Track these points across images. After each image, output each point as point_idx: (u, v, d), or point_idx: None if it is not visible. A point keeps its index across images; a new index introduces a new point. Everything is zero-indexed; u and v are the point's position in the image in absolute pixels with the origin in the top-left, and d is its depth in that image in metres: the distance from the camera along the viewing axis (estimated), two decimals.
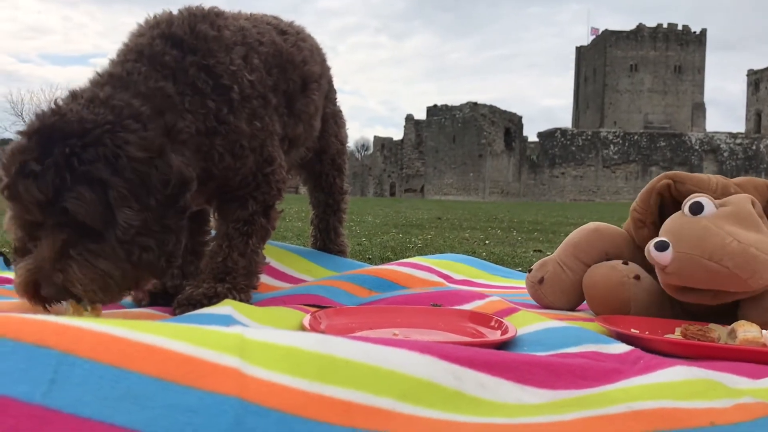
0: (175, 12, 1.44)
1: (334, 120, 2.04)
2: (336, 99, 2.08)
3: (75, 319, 0.68)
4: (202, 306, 1.36)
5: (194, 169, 1.31)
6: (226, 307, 1.24)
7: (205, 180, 1.41)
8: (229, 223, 1.52)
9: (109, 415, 0.56)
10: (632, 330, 1.28)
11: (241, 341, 0.73)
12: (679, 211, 1.40)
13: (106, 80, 1.27)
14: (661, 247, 1.34)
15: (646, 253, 1.39)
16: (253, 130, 1.46)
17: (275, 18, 1.76)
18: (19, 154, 1.09)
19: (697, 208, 1.36)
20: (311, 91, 1.73)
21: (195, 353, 0.67)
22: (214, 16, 1.47)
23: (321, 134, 1.94)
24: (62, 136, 1.10)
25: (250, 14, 1.68)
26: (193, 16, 1.43)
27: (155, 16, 1.44)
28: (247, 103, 1.44)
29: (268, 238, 1.59)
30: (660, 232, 1.40)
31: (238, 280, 1.48)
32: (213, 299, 1.40)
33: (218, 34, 1.42)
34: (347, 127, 2.27)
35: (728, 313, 1.40)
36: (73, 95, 1.22)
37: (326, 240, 2.20)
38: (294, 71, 1.65)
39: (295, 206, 9.58)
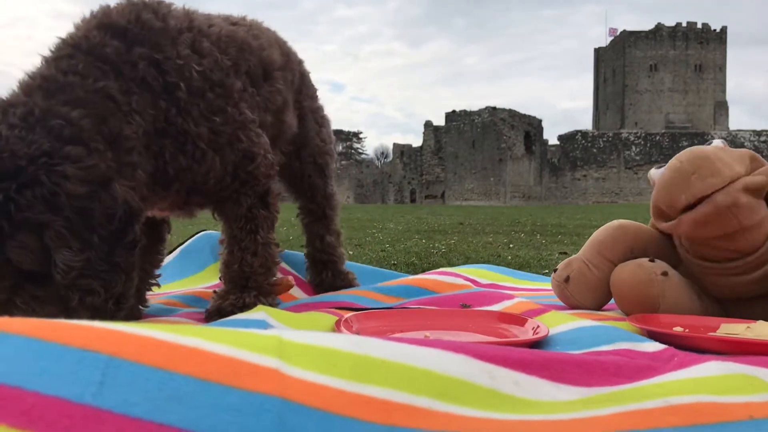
0: (112, 4, 1.32)
1: (313, 117, 1.90)
2: (316, 96, 1.95)
3: (119, 323, 0.69)
4: (233, 314, 1.36)
5: (146, 168, 1.22)
6: (260, 313, 1.26)
7: (165, 181, 1.32)
8: (232, 224, 1.48)
9: (158, 415, 0.58)
10: (674, 328, 1.27)
11: (279, 342, 0.74)
12: None
13: (39, 84, 1.14)
14: (659, 167, 1.48)
15: (648, 176, 1.53)
16: (213, 127, 1.34)
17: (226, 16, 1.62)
18: None
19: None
20: (275, 80, 1.59)
21: (236, 355, 0.68)
22: (156, 4, 1.34)
23: (299, 131, 1.82)
24: None
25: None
26: (134, 5, 1.31)
27: (91, 10, 1.30)
28: (199, 100, 1.32)
29: (275, 224, 1.54)
30: None
31: (260, 281, 1.47)
32: (244, 309, 1.40)
33: (163, 24, 1.30)
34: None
35: (761, 301, 1.41)
36: (3, 111, 1.08)
37: (313, 249, 2.01)
38: (251, 56, 1.50)
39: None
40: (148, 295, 1.63)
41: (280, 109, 1.63)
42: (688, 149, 1.42)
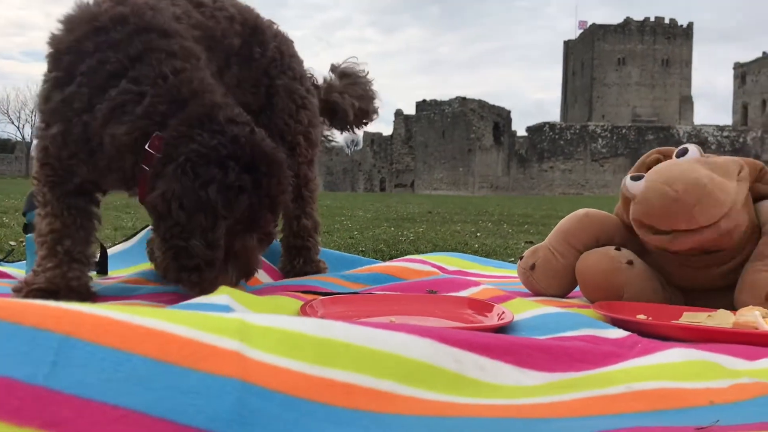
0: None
1: (289, 96, 1.85)
2: (299, 77, 1.89)
3: (74, 303, 0.67)
4: None
5: None
6: (223, 296, 1.23)
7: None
8: None
9: (112, 397, 0.56)
10: (638, 316, 1.28)
11: (242, 325, 0.72)
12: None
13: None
14: (637, 178, 1.44)
15: (621, 186, 1.49)
16: None
17: None
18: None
19: (682, 153, 1.46)
20: (232, 65, 1.64)
21: (195, 336, 0.67)
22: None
23: (265, 108, 1.80)
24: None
25: None
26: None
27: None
28: None
29: None
30: None
31: None
32: None
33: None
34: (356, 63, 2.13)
35: (722, 292, 1.43)
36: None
37: (288, 232, 1.94)
38: (219, 47, 1.56)
39: None
40: (110, 277, 1.60)
41: (234, 87, 1.64)
42: (676, 170, 1.36)
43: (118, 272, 1.89)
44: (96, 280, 1.67)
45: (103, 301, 1.46)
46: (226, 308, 1.18)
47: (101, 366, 0.58)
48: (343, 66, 2.17)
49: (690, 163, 1.39)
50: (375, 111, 2.21)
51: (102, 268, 1.88)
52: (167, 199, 1.22)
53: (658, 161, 1.55)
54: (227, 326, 0.71)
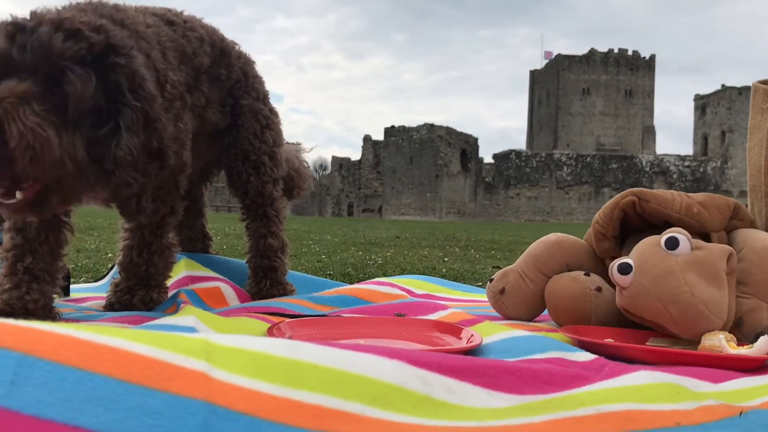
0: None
1: (254, 117, 1.85)
2: (263, 98, 1.90)
3: (34, 322, 0.65)
4: (140, 310, 1.53)
5: None
6: (190, 317, 1.22)
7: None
8: (144, 229, 1.59)
9: (72, 417, 0.54)
10: (605, 339, 1.29)
11: (207, 345, 0.71)
12: (655, 238, 1.38)
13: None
14: (624, 270, 1.35)
15: (609, 271, 1.40)
16: (177, 132, 1.44)
17: (161, 8, 1.62)
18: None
19: (672, 245, 1.35)
20: (202, 83, 1.63)
21: (160, 356, 0.65)
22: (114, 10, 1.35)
23: (230, 127, 1.81)
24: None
25: (136, 7, 1.52)
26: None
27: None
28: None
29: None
30: (632, 252, 1.40)
31: (159, 280, 1.65)
32: (149, 304, 1.60)
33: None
34: (303, 145, 2.21)
35: None
36: None
37: (255, 252, 1.92)
38: (188, 64, 1.56)
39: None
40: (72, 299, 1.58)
41: (204, 108, 1.66)
42: (668, 282, 1.30)
43: (80, 294, 1.85)
44: (58, 301, 1.63)
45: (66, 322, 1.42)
46: (192, 329, 1.17)
47: (61, 385, 0.57)
48: (291, 146, 2.23)
49: (682, 269, 1.31)
50: (301, 193, 2.23)
51: (64, 291, 1.84)
52: None
53: (632, 204, 1.54)
54: (193, 346, 0.70)
